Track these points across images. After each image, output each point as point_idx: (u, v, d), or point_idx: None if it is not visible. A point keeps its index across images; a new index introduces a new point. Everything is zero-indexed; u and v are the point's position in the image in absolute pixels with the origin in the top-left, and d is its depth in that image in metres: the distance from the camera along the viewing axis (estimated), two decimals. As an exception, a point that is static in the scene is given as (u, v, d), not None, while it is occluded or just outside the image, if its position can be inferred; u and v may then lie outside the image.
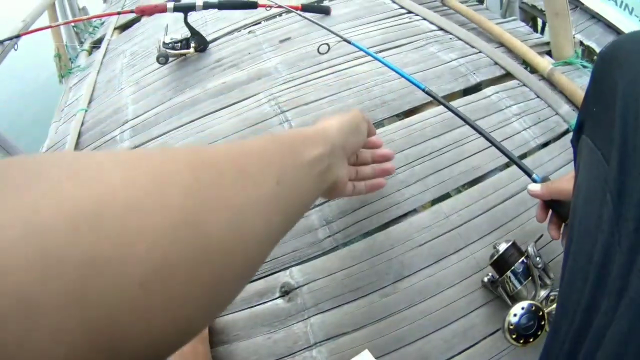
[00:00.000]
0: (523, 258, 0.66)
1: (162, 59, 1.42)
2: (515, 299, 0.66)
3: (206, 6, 1.39)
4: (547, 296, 0.66)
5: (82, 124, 1.42)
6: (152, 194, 0.26)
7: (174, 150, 0.31)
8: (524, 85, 1.14)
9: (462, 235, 0.79)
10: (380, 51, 1.29)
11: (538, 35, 1.36)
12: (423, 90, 0.86)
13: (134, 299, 0.23)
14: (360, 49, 1.07)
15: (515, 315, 0.61)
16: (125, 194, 0.24)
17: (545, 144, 0.97)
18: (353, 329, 0.70)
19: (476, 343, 0.68)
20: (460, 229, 0.80)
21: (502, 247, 0.68)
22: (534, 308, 0.62)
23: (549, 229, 0.66)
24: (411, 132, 0.97)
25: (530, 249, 0.67)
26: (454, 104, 1.06)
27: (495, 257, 0.68)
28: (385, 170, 0.75)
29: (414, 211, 0.84)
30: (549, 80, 1.14)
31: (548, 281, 0.67)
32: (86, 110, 1.49)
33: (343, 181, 0.58)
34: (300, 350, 0.69)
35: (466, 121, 0.78)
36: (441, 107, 1.03)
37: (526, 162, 0.88)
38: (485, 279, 0.70)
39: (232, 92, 1.22)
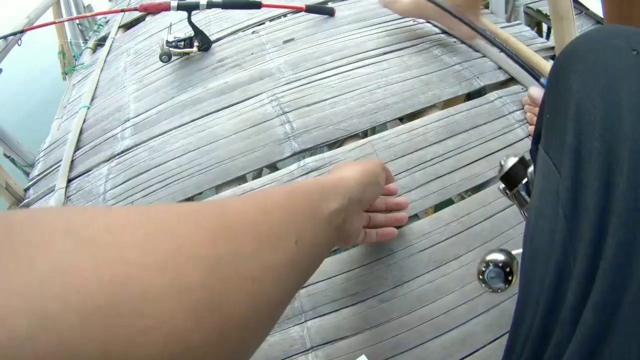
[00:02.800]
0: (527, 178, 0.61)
1: (165, 57, 1.42)
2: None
3: (210, 5, 1.39)
4: None
5: (84, 121, 1.42)
6: (171, 274, 0.24)
7: (193, 214, 0.30)
8: (526, 88, 1.13)
9: (463, 242, 0.78)
10: (384, 53, 1.28)
11: (543, 39, 1.35)
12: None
13: None
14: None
15: None
16: (141, 277, 0.23)
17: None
18: (351, 334, 0.69)
19: (475, 351, 0.67)
20: (461, 236, 0.79)
21: (511, 161, 0.62)
22: None
23: None
24: (413, 136, 0.97)
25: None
26: (457, 108, 1.06)
27: (503, 172, 0.62)
28: (398, 220, 0.77)
29: (415, 217, 0.84)
30: (554, 86, 1.13)
31: None
32: (88, 108, 1.49)
33: (357, 232, 0.59)
34: (296, 354, 0.68)
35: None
36: (444, 111, 1.03)
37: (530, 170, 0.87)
38: (501, 187, 0.64)
39: (234, 92, 1.22)
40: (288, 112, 1.09)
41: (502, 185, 0.64)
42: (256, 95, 1.18)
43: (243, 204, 0.36)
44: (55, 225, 0.22)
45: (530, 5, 2.33)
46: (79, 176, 1.18)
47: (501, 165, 0.62)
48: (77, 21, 2.27)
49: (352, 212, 0.53)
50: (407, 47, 1.32)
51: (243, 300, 0.28)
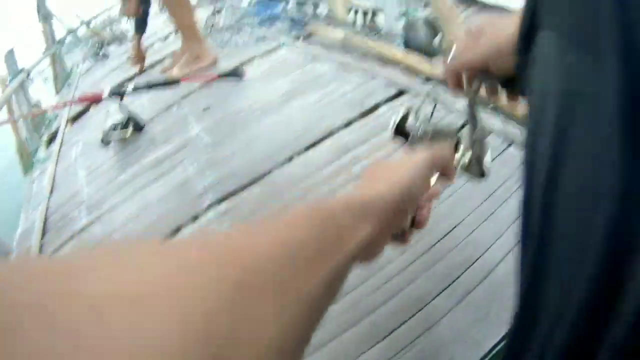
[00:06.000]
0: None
1: (106, 142, 1.65)
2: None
3: (136, 88, 1.62)
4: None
5: (47, 209, 1.61)
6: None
7: (211, 253, 0.24)
8: (417, 95, 1.35)
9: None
10: (286, 100, 1.53)
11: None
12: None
13: None
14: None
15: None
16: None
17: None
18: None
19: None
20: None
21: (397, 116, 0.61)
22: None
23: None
24: (310, 164, 1.18)
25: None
26: (352, 128, 1.29)
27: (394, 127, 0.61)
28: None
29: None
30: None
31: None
32: (49, 198, 1.68)
33: (379, 254, 0.51)
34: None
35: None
36: (338, 135, 1.25)
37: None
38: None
39: (164, 163, 1.45)
40: (204, 170, 1.31)
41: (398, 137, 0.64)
42: (181, 162, 1.41)
43: (265, 245, 0.29)
44: (25, 304, 0.18)
45: (429, 19, 2.61)
46: (47, 260, 1.36)
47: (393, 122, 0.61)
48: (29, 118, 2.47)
49: (379, 238, 0.44)
50: (306, 89, 1.57)
51: None
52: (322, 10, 2.64)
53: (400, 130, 0.61)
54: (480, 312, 0.76)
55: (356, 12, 2.77)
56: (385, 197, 0.40)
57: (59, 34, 4.23)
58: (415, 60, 1.52)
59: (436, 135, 0.59)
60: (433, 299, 0.80)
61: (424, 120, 0.60)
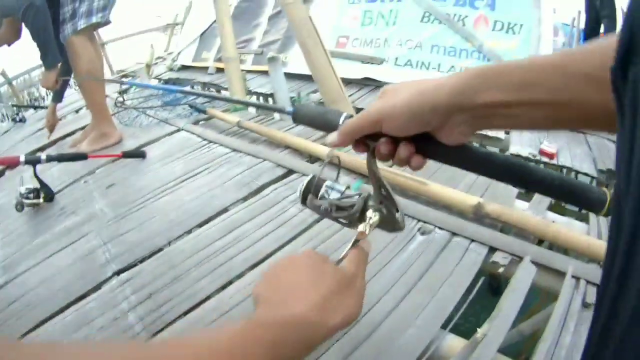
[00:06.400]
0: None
1: (19, 207, 1.87)
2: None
3: (48, 159, 1.88)
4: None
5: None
6: None
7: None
8: (304, 174, 1.63)
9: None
10: (182, 181, 1.86)
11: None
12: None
13: None
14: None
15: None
16: None
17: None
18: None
19: None
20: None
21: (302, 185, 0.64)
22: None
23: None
24: (202, 239, 1.46)
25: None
26: (241, 206, 1.59)
27: (301, 194, 0.64)
28: None
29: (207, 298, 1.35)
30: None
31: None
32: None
33: None
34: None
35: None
36: (227, 213, 1.56)
37: (307, 235, 1.31)
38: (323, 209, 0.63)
39: (72, 233, 1.70)
40: (108, 242, 1.59)
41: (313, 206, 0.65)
42: (86, 235, 1.67)
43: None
44: None
45: (320, 101, 3.03)
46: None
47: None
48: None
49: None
50: (201, 171, 1.90)
51: None
52: (223, 95, 3.02)
53: (307, 199, 0.64)
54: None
55: (255, 95, 3.18)
56: (332, 331, 0.46)
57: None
58: (301, 142, 1.86)
59: (342, 199, 0.60)
60: (322, 354, 0.88)
61: (329, 187, 0.63)
